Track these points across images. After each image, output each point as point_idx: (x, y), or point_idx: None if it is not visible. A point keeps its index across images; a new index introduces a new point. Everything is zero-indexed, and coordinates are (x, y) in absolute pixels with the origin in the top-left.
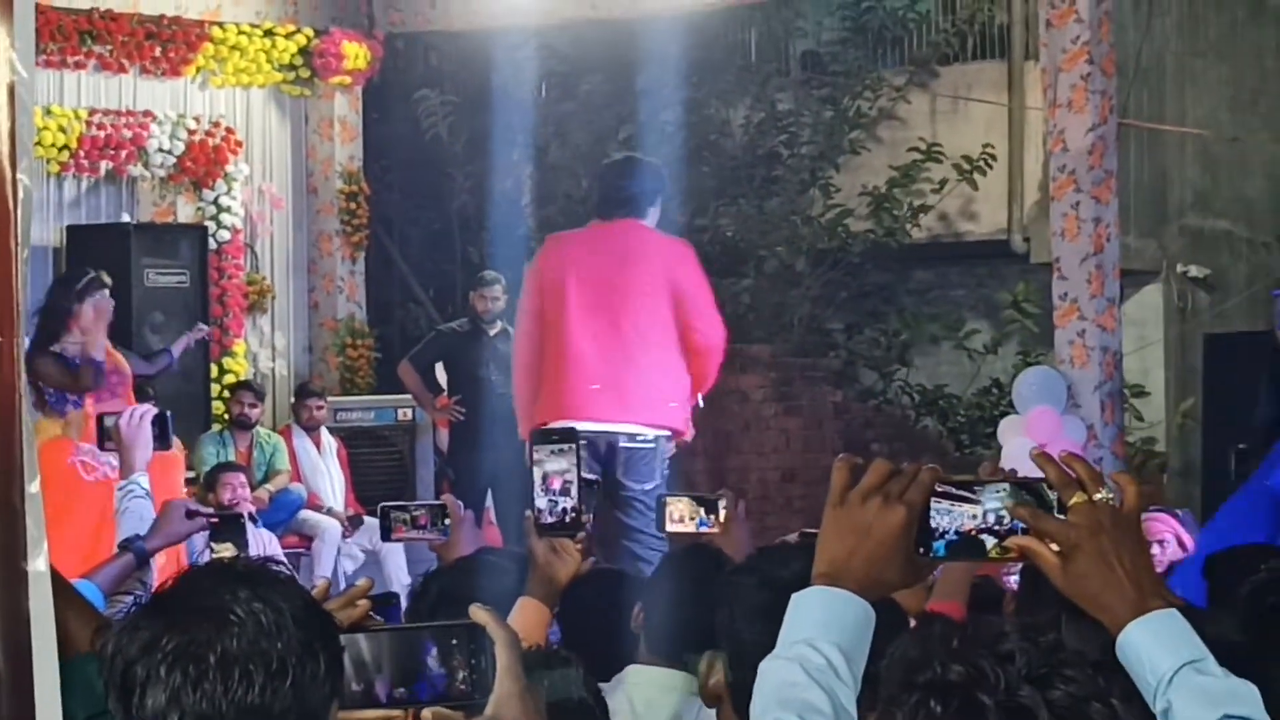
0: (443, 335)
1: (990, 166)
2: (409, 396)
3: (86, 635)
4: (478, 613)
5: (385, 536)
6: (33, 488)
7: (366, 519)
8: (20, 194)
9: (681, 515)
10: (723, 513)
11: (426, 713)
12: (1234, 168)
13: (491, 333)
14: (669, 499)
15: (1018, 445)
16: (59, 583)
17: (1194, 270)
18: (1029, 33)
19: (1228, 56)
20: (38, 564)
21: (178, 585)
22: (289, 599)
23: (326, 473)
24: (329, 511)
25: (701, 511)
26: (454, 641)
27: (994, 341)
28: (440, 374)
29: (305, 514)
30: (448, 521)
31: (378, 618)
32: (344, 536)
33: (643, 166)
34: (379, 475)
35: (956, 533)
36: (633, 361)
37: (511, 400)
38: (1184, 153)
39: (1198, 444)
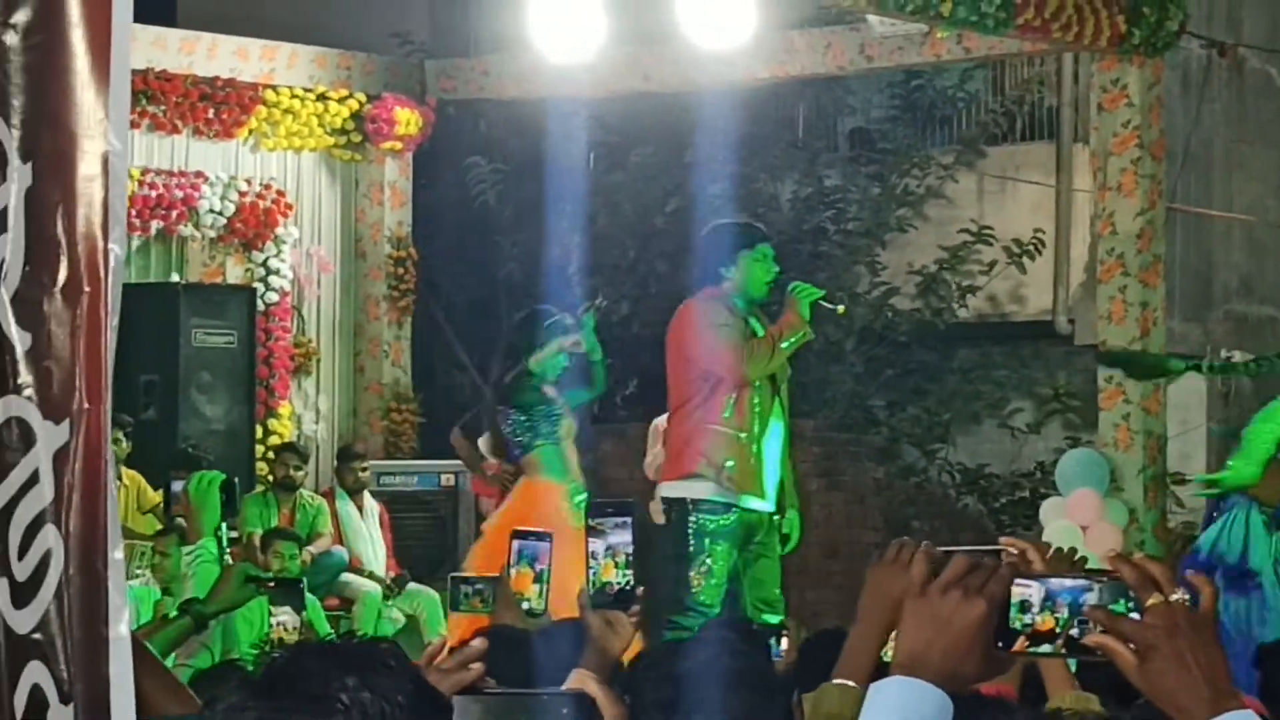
0: (489, 404)
1: (1040, 251)
2: (452, 462)
3: (164, 701)
4: (589, 684)
5: (454, 607)
6: (117, 554)
7: (417, 586)
8: (112, 263)
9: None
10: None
11: None
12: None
13: None
14: (463, 579)
15: (1060, 527)
16: (139, 648)
17: (1238, 356)
18: (1078, 115)
19: (1275, 143)
20: (119, 629)
21: (286, 666)
22: (398, 685)
23: (368, 536)
24: (370, 575)
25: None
26: (565, 710)
27: (1037, 422)
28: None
29: (347, 577)
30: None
31: (490, 680)
32: (385, 599)
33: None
34: (420, 540)
35: (1033, 627)
36: None
37: None
38: (1230, 238)
39: None
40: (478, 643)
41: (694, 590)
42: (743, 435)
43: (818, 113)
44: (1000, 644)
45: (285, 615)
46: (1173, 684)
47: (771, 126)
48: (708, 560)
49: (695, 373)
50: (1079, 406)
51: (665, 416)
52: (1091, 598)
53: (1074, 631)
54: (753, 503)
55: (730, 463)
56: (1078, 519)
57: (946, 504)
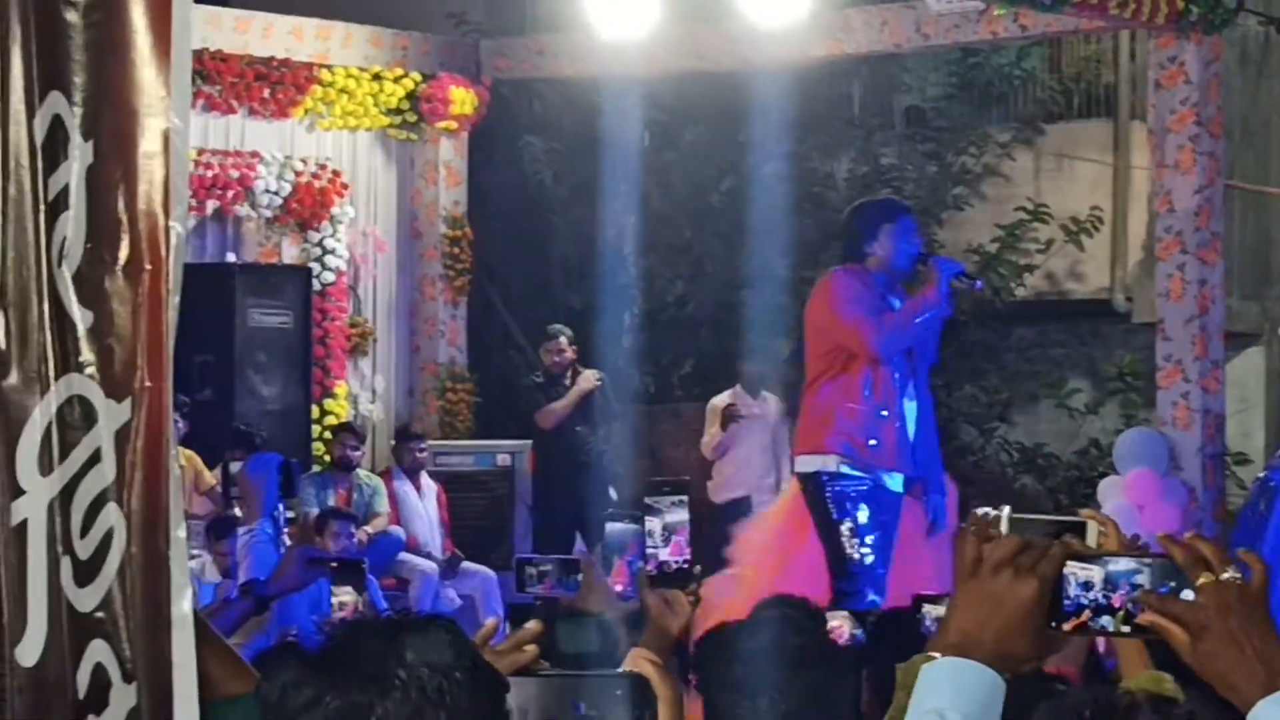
0: (521, 400)
1: (1098, 229)
2: (508, 442)
3: (227, 679)
4: (643, 665)
5: (520, 588)
6: (179, 532)
7: (465, 563)
8: (173, 240)
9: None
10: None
11: None
12: None
13: (568, 382)
14: (529, 560)
15: (1118, 506)
16: (201, 626)
17: None
18: (1135, 92)
19: None
20: (182, 608)
21: (343, 643)
22: (456, 662)
23: (425, 516)
24: (427, 555)
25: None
26: (618, 692)
27: (1095, 401)
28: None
29: (404, 556)
30: (578, 576)
31: (545, 663)
32: (442, 579)
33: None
34: (477, 520)
35: (1085, 606)
36: None
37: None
38: None
39: None
40: (533, 624)
41: (848, 553)
42: (884, 413)
43: (873, 91)
44: (1053, 624)
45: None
46: (1225, 664)
47: (826, 105)
48: (853, 524)
49: (829, 347)
50: (1137, 385)
51: (722, 395)
52: (1143, 578)
53: (1127, 611)
54: (887, 480)
55: (873, 441)
56: (1135, 498)
57: (1004, 483)
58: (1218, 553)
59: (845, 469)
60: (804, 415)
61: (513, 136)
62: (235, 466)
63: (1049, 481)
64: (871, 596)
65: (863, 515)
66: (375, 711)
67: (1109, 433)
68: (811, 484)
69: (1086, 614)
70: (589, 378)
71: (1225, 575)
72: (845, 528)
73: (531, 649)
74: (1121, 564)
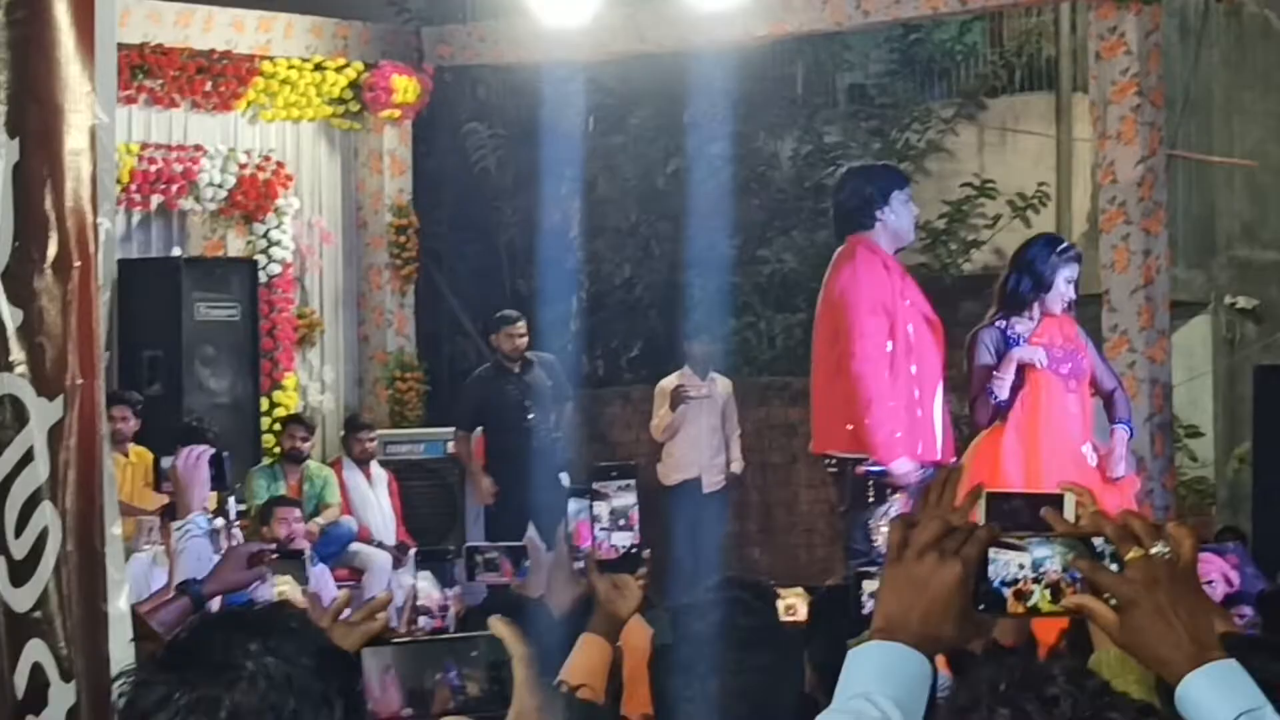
0: (471, 387)
1: (1044, 204)
2: (457, 430)
3: None
4: (497, 626)
5: (470, 577)
6: (114, 529)
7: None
8: (101, 237)
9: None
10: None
11: None
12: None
13: (518, 369)
14: (477, 548)
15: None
16: (138, 622)
17: (1242, 301)
18: (1077, 65)
19: (1275, 87)
20: (119, 605)
21: (189, 638)
22: (302, 648)
23: (377, 505)
24: (380, 544)
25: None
26: (474, 654)
27: None
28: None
29: (356, 547)
30: (527, 563)
31: (399, 629)
32: (395, 568)
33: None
34: (428, 508)
35: (1010, 586)
36: None
37: (547, 434)
38: (1232, 184)
39: (1248, 476)
40: (383, 594)
41: (876, 541)
42: (893, 405)
43: (816, 69)
44: (979, 606)
45: (287, 586)
46: (1153, 637)
47: (770, 84)
48: (888, 509)
49: (847, 344)
50: None
51: (669, 378)
52: (1069, 556)
53: (1055, 589)
54: (909, 465)
55: (898, 434)
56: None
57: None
58: (1148, 528)
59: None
60: (826, 402)
61: (457, 124)
62: (168, 461)
63: None
64: None
65: (898, 501)
66: (224, 704)
67: None
68: (849, 466)
69: (1011, 594)
70: (486, 494)
71: (1154, 550)
72: (878, 514)
73: (382, 617)
74: (1047, 545)
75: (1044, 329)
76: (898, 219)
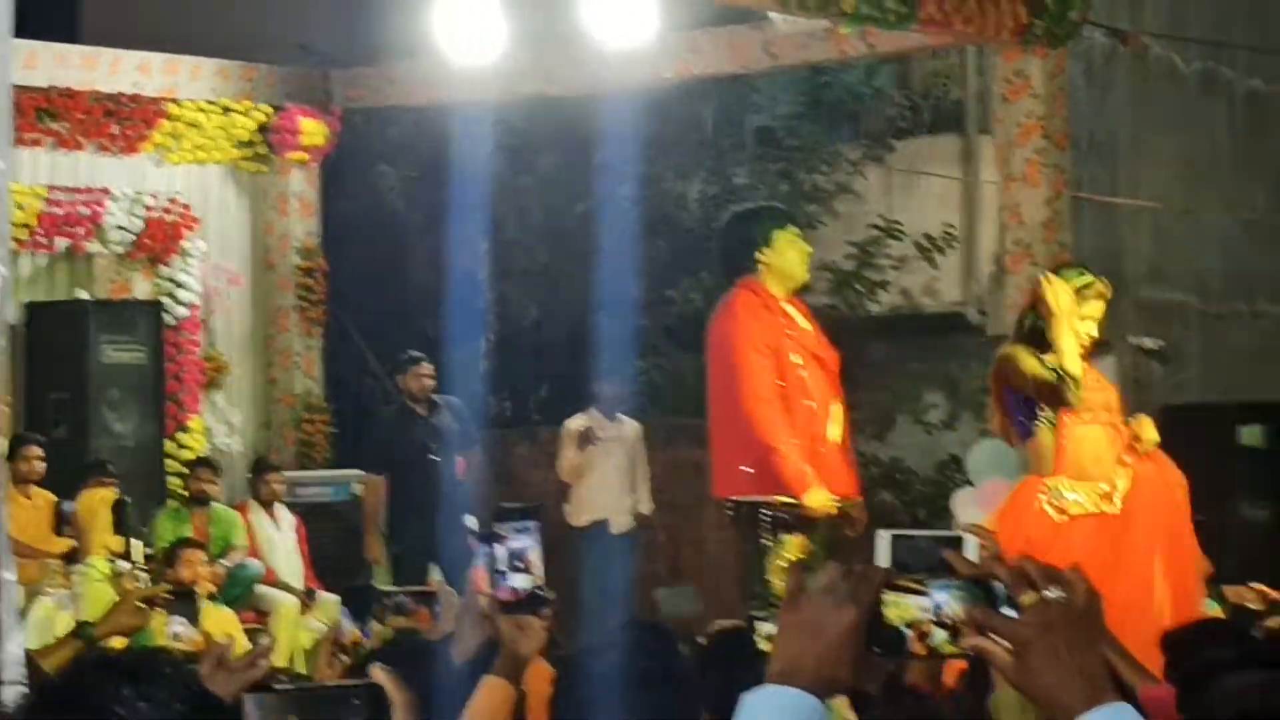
0: (377, 429)
1: (951, 246)
2: (364, 473)
3: None
4: (378, 674)
5: (381, 620)
6: (7, 574)
7: (324, 596)
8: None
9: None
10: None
11: None
12: (1187, 240)
13: (425, 411)
14: (383, 592)
15: (972, 518)
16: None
17: (1148, 342)
18: (983, 107)
19: (1180, 130)
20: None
21: (64, 682)
22: (175, 693)
23: (283, 548)
24: (286, 587)
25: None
26: (355, 702)
27: (951, 415)
28: None
29: (262, 589)
30: (438, 607)
31: (282, 676)
32: (302, 612)
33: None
34: (336, 550)
35: (909, 628)
36: None
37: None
38: (1137, 225)
39: None
40: (264, 640)
41: (771, 584)
42: (795, 442)
43: (725, 111)
44: (876, 648)
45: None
46: (1048, 680)
47: (678, 126)
48: (787, 552)
49: (735, 385)
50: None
51: (577, 418)
52: (966, 599)
53: (953, 632)
54: (825, 495)
55: (806, 468)
56: (990, 509)
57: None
58: (1044, 571)
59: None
60: (722, 448)
61: (365, 165)
62: (69, 505)
63: (907, 496)
64: None
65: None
66: None
67: (966, 446)
68: (746, 508)
69: (911, 636)
70: (375, 553)
71: (1049, 594)
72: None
73: (263, 664)
74: (945, 588)
75: None
76: (783, 260)
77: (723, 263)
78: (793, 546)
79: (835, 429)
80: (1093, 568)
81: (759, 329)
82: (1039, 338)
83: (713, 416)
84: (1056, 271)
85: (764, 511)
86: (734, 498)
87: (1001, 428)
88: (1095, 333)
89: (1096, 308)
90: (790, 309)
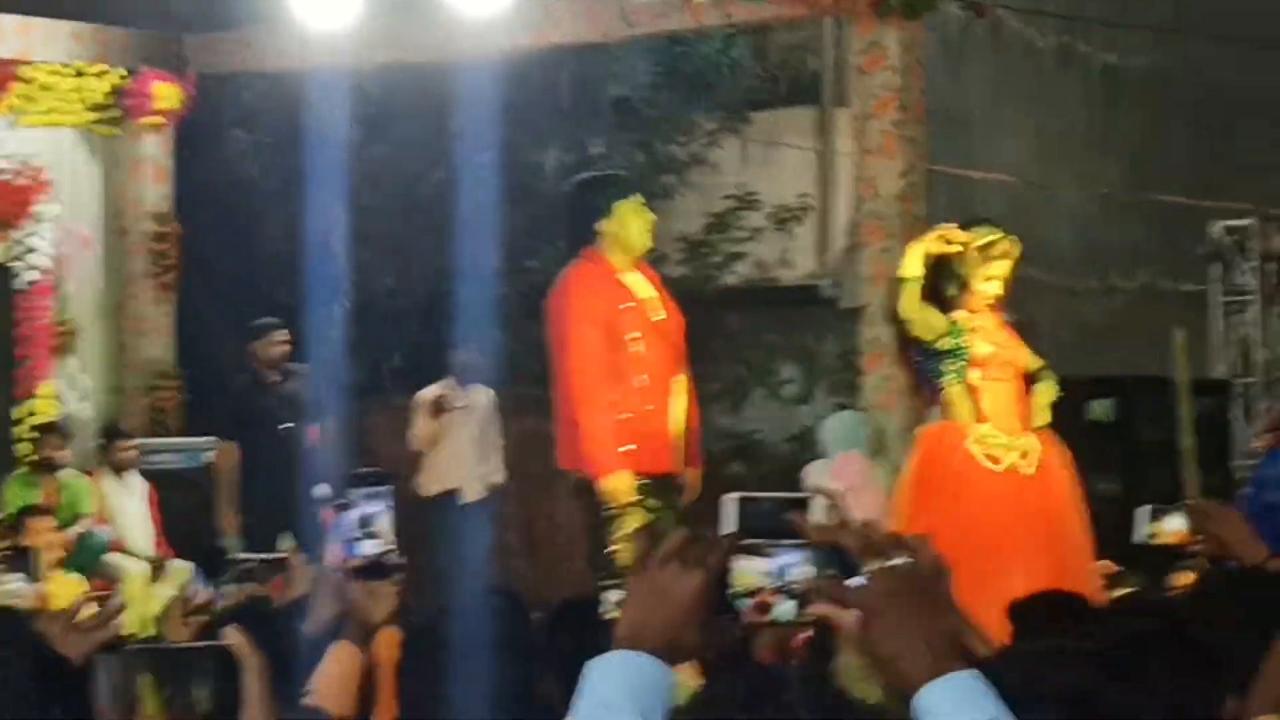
0: (230, 397)
1: (806, 217)
2: (215, 440)
3: None
4: (231, 636)
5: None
6: None
7: (175, 562)
8: None
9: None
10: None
11: None
12: (1041, 214)
13: (276, 378)
14: (234, 559)
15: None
16: None
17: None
18: (840, 79)
19: (1036, 104)
20: None
21: None
22: (21, 653)
23: (134, 515)
24: (137, 554)
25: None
26: (207, 663)
27: (805, 387)
28: None
29: (111, 557)
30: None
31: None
32: (152, 580)
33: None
34: (186, 518)
35: (755, 593)
36: None
37: (303, 442)
38: (992, 199)
39: None
40: (116, 600)
41: (615, 556)
42: (626, 416)
43: (582, 80)
44: (725, 614)
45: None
46: (893, 648)
47: (535, 95)
48: (628, 524)
49: (562, 358)
50: (845, 370)
51: (430, 388)
52: (814, 566)
53: (800, 599)
54: (624, 480)
55: (630, 446)
56: (841, 481)
57: (714, 470)
58: (889, 539)
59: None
60: (563, 423)
61: (220, 131)
62: None
63: (760, 468)
64: None
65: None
66: None
67: (820, 418)
68: (584, 483)
69: (756, 603)
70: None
71: (895, 561)
72: (613, 531)
73: (115, 624)
74: (793, 554)
75: None
76: (625, 229)
77: (567, 232)
78: (632, 517)
79: (677, 402)
80: (1022, 525)
81: (591, 302)
82: (940, 295)
83: (554, 388)
84: (967, 228)
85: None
86: (573, 469)
87: (912, 387)
88: (1000, 290)
89: (1002, 266)
90: (633, 278)
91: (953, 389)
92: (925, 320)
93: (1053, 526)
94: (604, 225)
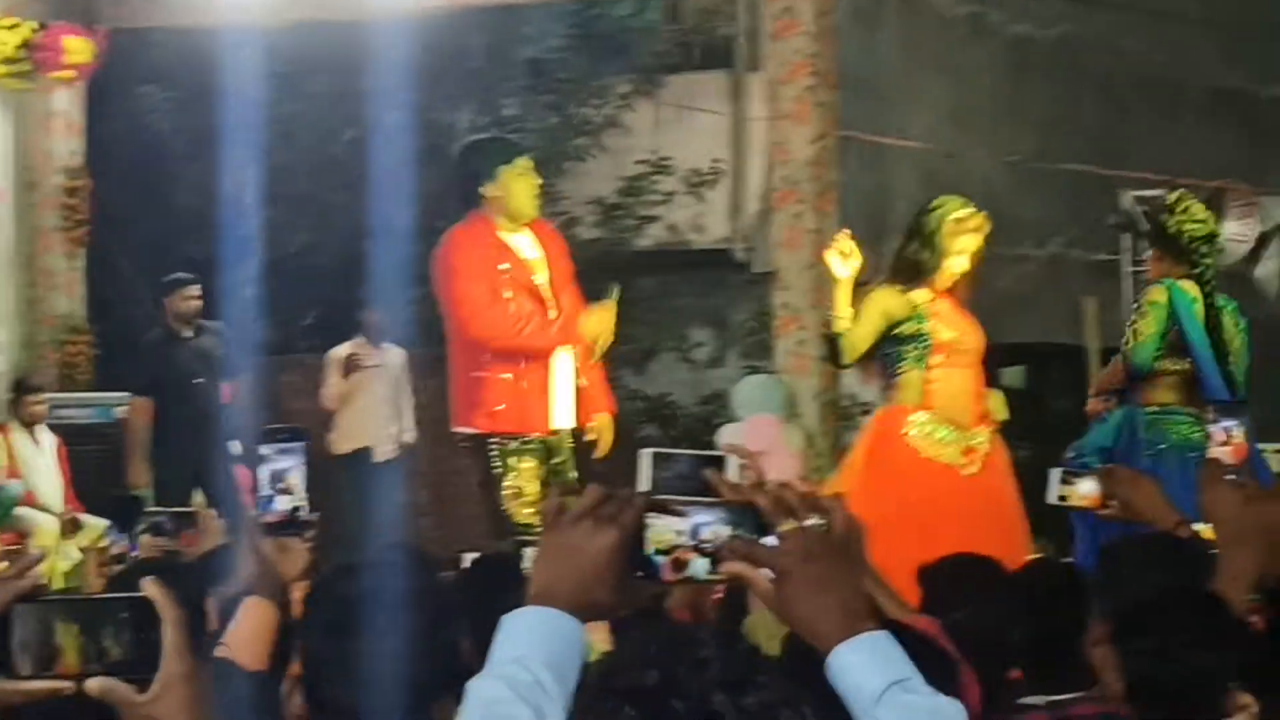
0: (143, 352)
1: (719, 181)
2: (127, 394)
3: None
4: (150, 587)
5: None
6: None
7: (88, 518)
8: None
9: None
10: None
11: (93, 684)
12: (952, 181)
13: (190, 334)
14: (149, 511)
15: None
16: None
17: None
18: (753, 44)
19: (947, 71)
20: None
21: None
22: None
23: (44, 470)
24: (46, 509)
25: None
26: (125, 615)
27: (718, 350)
28: None
29: (21, 511)
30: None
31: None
32: (63, 535)
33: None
34: (97, 473)
35: (669, 552)
36: None
37: (217, 401)
38: (903, 166)
39: None
40: (35, 550)
41: (509, 513)
42: (507, 376)
43: (495, 41)
44: (639, 572)
45: None
46: (806, 609)
47: (449, 55)
48: (516, 481)
49: (458, 320)
50: (757, 333)
51: (343, 346)
52: (728, 525)
53: (713, 558)
54: (536, 435)
55: (500, 406)
56: (754, 444)
57: (626, 432)
58: (803, 500)
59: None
60: (452, 384)
61: (131, 86)
62: None
63: (673, 430)
64: None
65: (525, 471)
66: None
67: (732, 381)
68: (475, 441)
69: (671, 561)
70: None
71: (809, 522)
72: (506, 487)
73: (33, 574)
74: (708, 513)
75: None
76: (509, 194)
77: (455, 195)
78: (525, 474)
79: (561, 362)
80: (959, 522)
81: (471, 260)
82: (911, 273)
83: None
84: (938, 204)
85: (491, 441)
86: (465, 429)
87: (867, 367)
88: (967, 265)
89: (972, 241)
90: (519, 239)
91: (909, 374)
92: (863, 342)
93: (992, 527)
94: (489, 189)
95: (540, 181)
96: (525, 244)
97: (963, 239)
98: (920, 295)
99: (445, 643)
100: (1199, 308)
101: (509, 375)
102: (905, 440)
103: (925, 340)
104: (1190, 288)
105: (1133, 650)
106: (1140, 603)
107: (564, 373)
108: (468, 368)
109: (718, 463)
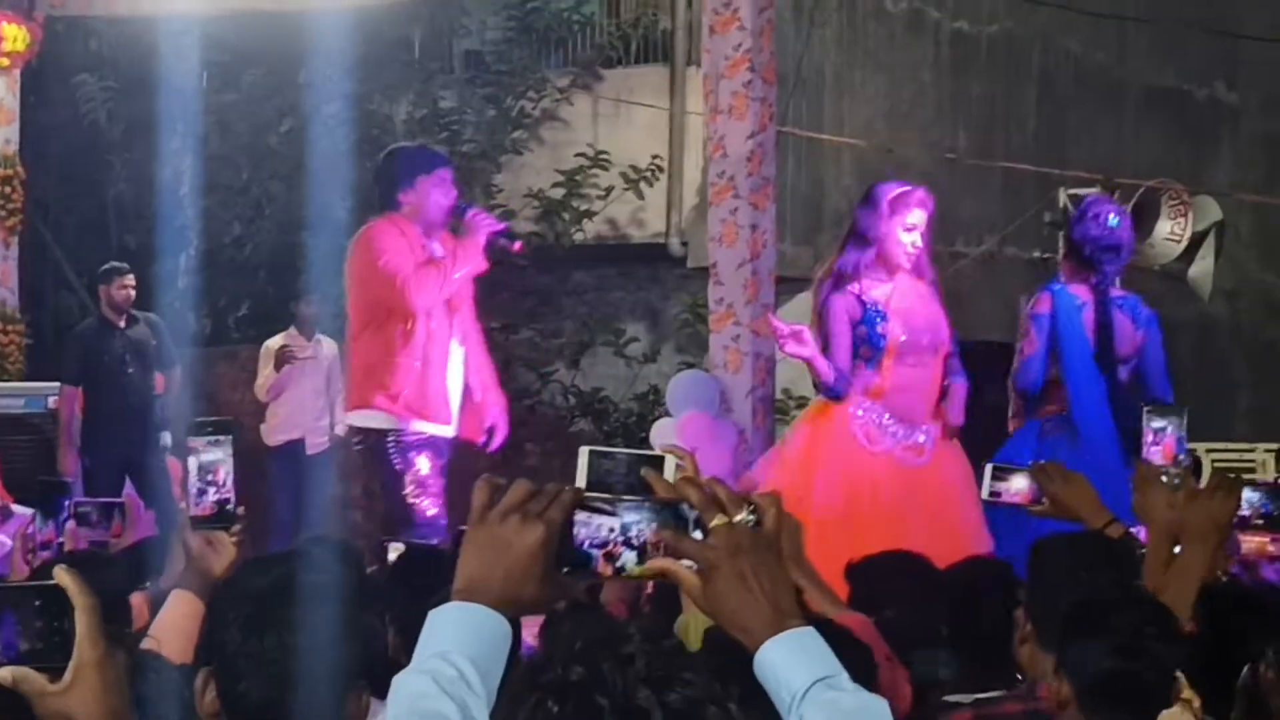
0: (75, 341)
1: (657, 177)
2: (58, 385)
3: None
4: (61, 575)
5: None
6: None
7: (16, 507)
8: None
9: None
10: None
11: (3, 672)
12: (888, 178)
13: (123, 324)
14: (77, 501)
15: (670, 448)
16: None
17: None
18: (692, 39)
19: (885, 69)
20: None
21: None
22: None
23: None
24: None
25: None
26: (37, 603)
27: (652, 345)
28: None
29: None
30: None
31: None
32: None
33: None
34: (27, 463)
35: (599, 549)
36: None
37: (148, 392)
38: (840, 162)
39: None
40: None
41: (413, 505)
42: (417, 364)
43: (433, 33)
44: (565, 568)
45: None
46: (734, 604)
47: (386, 47)
48: (418, 474)
49: (369, 301)
50: (692, 329)
51: (277, 337)
52: (656, 521)
53: (641, 553)
54: (431, 429)
55: (405, 391)
56: (687, 440)
57: (560, 426)
58: (734, 496)
59: (391, 426)
60: (350, 371)
61: (68, 75)
62: None
63: (606, 425)
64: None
65: (424, 467)
66: None
67: (666, 377)
68: (371, 437)
69: (600, 557)
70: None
71: (738, 517)
72: (409, 480)
73: None
74: (636, 509)
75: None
76: (423, 202)
77: (376, 199)
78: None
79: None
80: (896, 512)
81: (395, 242)
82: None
83: (349, 345)
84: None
85: (389, 438)
86: (359, 424)
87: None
88: (919, 241)
89: (918, 215)
90: (433, 245)
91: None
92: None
93: (940, 521)
94: (405, 196)
95: (457, 194)
96: (438, 251)
97: (910, 214)
98: (880, 291)
99: (361, 635)
100: (1087, 311)
101: (418, 363)
102: (847, 429)
103: (880, 342)
104: (1080, 291)
105: (1079, 651)
106: (1085, 602)
107: (455, 380)
108: (374, 352)
109: (658, 463)
